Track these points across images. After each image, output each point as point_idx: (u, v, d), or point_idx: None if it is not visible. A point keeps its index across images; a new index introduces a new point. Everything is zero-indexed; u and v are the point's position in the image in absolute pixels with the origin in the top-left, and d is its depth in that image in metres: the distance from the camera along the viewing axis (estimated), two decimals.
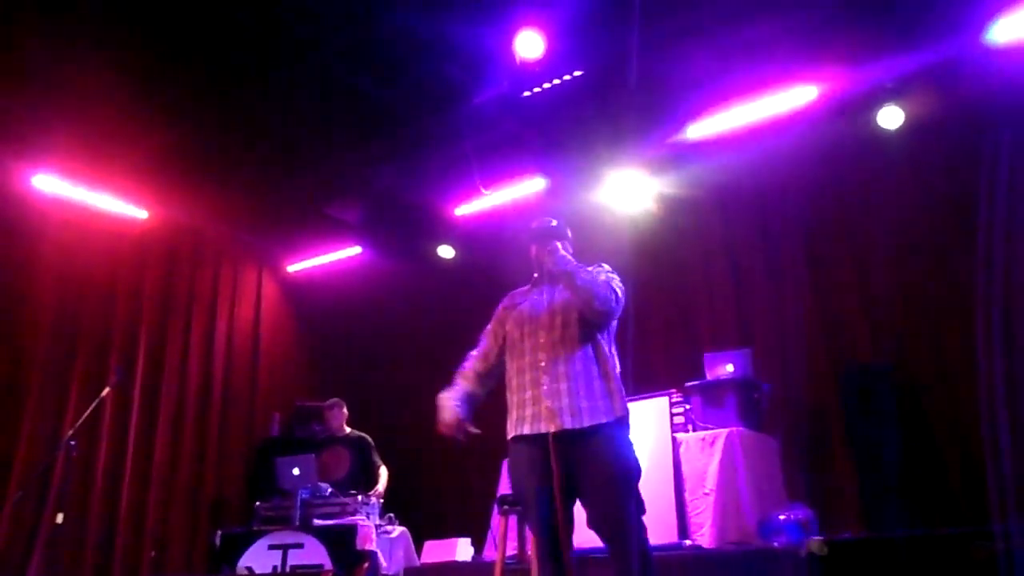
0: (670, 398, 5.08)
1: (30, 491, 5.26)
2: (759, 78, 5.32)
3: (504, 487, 5.38)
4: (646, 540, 2.70)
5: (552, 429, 2.71)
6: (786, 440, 5.35)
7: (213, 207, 6.83)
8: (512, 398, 2.90)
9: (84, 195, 6.20)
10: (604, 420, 2.73)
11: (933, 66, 4.98)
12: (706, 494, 4.73)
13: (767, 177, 5.95)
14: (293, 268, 7.84)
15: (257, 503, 5.49)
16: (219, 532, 5.36)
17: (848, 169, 5.73)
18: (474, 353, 3.10)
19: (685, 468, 4.86)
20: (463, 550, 5.12)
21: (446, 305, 7.36)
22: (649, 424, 5.01)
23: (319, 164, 6.30)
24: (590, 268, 2.98)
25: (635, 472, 2.75)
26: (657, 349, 6.19)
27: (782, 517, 4.66)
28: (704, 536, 4.63)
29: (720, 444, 4.76)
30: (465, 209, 6.59)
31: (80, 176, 6.10)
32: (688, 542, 4.63)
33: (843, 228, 5.73)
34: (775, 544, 4.37)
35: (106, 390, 4.34)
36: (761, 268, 6.02)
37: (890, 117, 5.26)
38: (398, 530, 5.30)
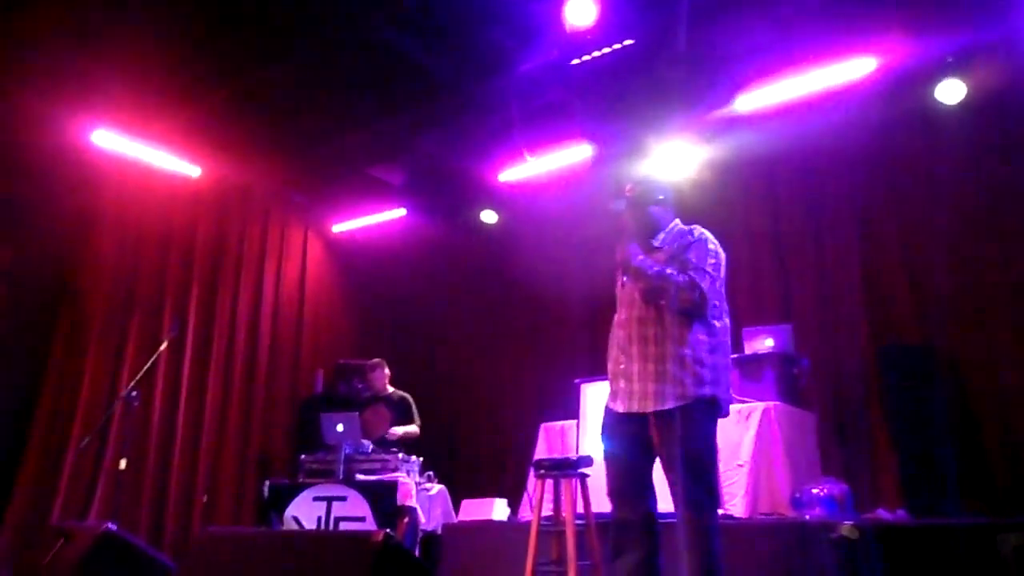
0: None
1: (92, 439, 5.50)
2: (814, 49, 5.21)
3: (540, 452, 5.51)
4: (709, 530, 2.71)
5: (621, 409, 2.89)
6: (823, 416, 5.37)
7: (262, 166, 6.96)
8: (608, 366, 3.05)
9: (140, 151, 6.36)
10: (670, 406, 2.75)
11: (995, 41, 4.84)
12: (740, 465, 4.79)
13: (817, 149, 5.85)
14: (338, 228, 7.96)
15: (302, 456, 5.70)
16: (267, 482, 5.60)
17: (903, 144, 5.60)
18: None
19: (720, 439, 4.88)
20: (499, 510, 5.26)
21: (488, 268, 7.44)
22: None
23: (366, 126, 6.36)
24: (688, 230, 3.03)
25: (697, 459, 2.75)
26: None
27: (816, 491, 4.71)
28: (736, 506, 4.70)
29: (756, 417, 4.80)
30: (509, 175, 6.61)
31: (136, 132, 6.25)
32: (720, 511, 4.71)
33: (894, 204, 5.62)
34: (807, 517, 4.43)
35: (164, 344, 4.51)
36: (806, 243, 5.96)
37: (950, 91, 5.13)
38: (437, 488, 5.48)
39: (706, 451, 2.82)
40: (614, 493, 2.92)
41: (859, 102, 5.40)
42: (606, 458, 2.96)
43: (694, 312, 2.84)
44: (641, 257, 2.93)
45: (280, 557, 1.95)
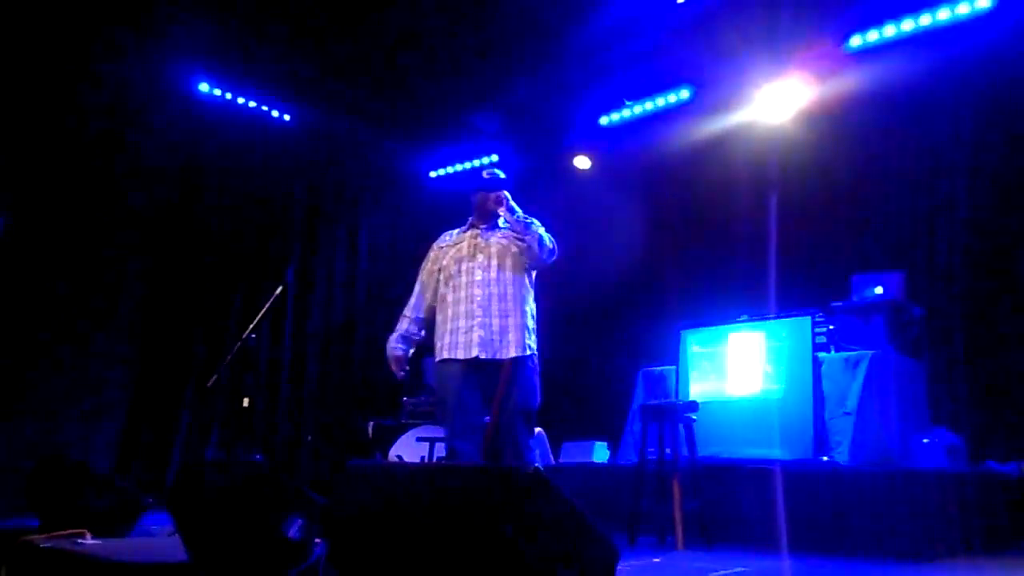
0: (813, 317, 5.01)
1: (203, 381, 5.80)
2: None
3: (640, 396, 5.55)
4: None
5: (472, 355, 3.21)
6: (935, 365, 5.21)
7: (357, 113, 7.06)
8: (446, 325, 3.31)
9: (240, 100, 6.54)
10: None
11: None
12: (847, 413, 4.71)
13: (933, 88, 5.53)
14: (434, 174, 8.01)
15: (404, 399, 5.89)
16: (372, 422, 5.83)
17: None
18: (409, 312, 3.56)
19: (825, 387, 4.84)
20: (600, 452, 5.35)
21: (582, 216, 7.38)
22: (789, 342, 4.99)
23: (461, 71, 6.34)
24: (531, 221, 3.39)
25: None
26: (800, 267, 6.01)
27: (926, 440, 4.62)
28: (841, 454, 4.65)
29: (864, 365, 4.69)
30: (606, 120, 6.50)
31: (236, 82, 6.42)
32: (824, 458, 4.67)
33: (1016, 147, 5.31)
34: (918, 467, 4.36)
35: (279, 288, 4.70)
36: (919, 184, 5.68)
37: None
38: (536, 431, 5.58)
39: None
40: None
41: (983, 36, 5.08)
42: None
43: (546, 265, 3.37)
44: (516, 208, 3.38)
45: (430, 488, 2.00)
